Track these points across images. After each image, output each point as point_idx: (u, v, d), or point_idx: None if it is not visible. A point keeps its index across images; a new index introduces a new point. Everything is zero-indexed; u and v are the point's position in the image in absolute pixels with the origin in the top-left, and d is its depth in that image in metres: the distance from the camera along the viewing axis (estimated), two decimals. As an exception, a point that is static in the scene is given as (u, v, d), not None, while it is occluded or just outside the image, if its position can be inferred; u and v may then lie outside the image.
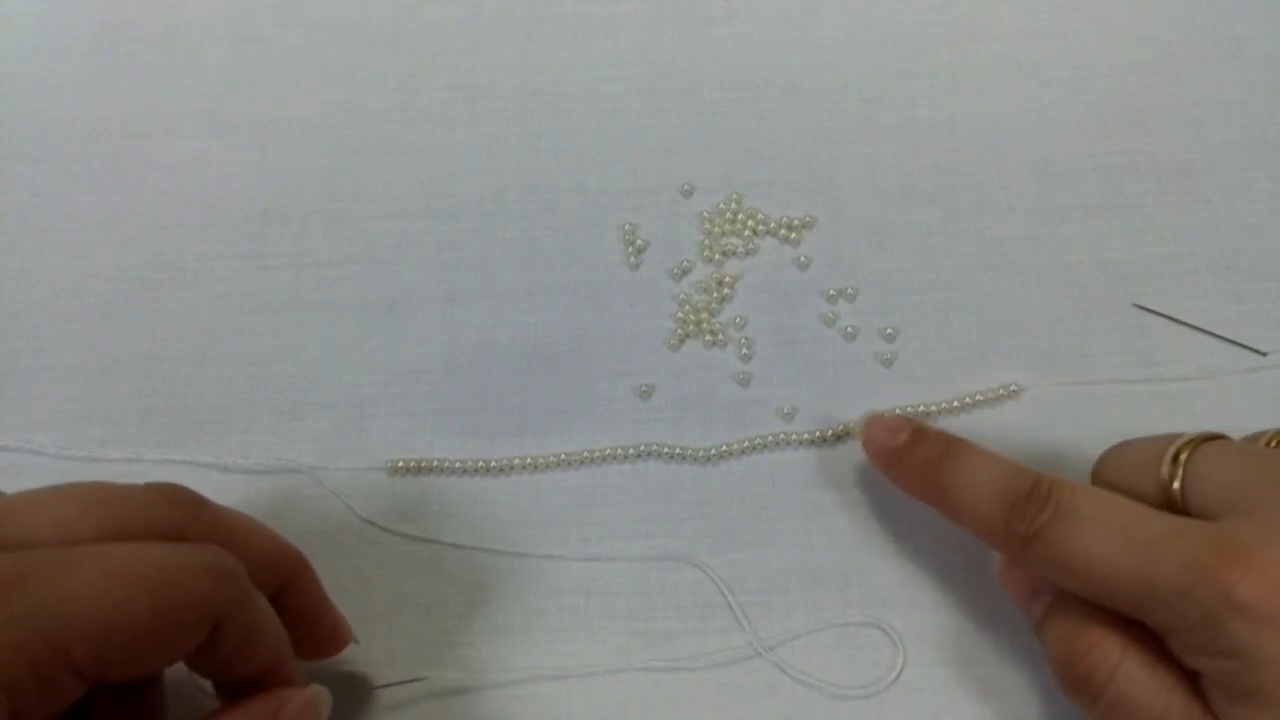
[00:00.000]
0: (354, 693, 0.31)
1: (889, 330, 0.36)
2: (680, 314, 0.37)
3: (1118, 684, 0.24)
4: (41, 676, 0.20)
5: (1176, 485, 0.26)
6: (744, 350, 0.36)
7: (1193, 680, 0.24)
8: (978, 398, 0.34)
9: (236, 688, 0.25)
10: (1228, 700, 0.23)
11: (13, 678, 0.19)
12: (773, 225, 0.38)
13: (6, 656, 0.19)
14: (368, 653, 0.32)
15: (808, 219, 0.38)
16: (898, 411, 0.34)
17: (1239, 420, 0.33)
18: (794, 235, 0.38)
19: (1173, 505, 0.26)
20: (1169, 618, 0.24)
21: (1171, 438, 0.27)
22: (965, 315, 0.36)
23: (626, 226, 0.38)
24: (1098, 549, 0.24)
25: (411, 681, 0.31)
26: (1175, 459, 0.26)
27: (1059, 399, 0.34)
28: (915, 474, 0.30)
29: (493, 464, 0.34)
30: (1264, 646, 0.22)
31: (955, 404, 0.34)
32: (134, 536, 0.23)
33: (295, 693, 0.25)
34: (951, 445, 0.29)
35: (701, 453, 0.34)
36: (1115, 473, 0.28)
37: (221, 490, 0.34)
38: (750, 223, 0.38)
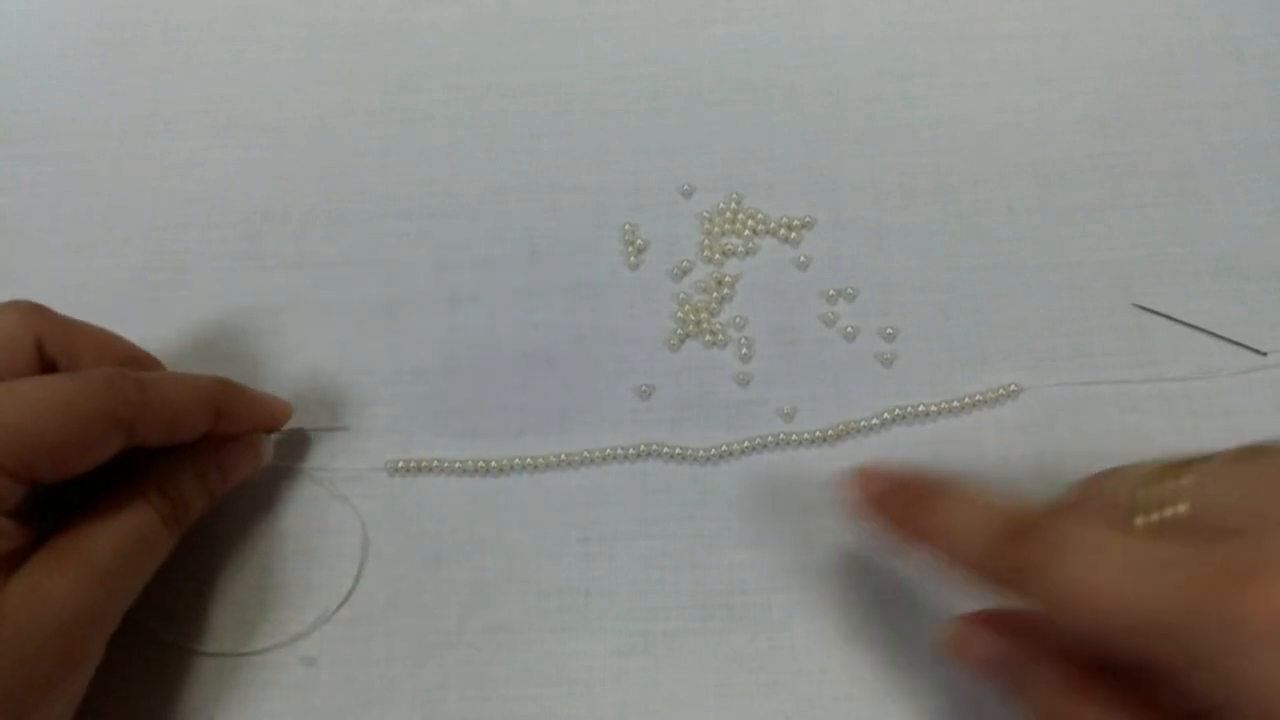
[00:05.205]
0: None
1: (889, 330, 0.36)
2: (680, 314, 0.37)
3: None
4: None
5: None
6: (744, 350, 0.36)
7: None
8: (977, 398, 0.34)
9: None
10: None
11: None
12: (773, 225, 0.38)
13: None
14: (368, 652, 0.32)
15: (808, 219, 0.38)
16: (898, 411, 0.34)
17: (1239, 420, 0.33)
18: (794, 235, 0.38)
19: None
20: (1176, 649, 0.21)
21: (1142, 472, 0.25)
22: (965, 315, 0.36)
23: (626, 226, 0.38)
24: (1097, 575, 0.22)
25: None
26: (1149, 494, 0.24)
27: (1059, 399, 0.34)
28: (898, 516, 0.28)
29: (493, 464, 0.34)
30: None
31: (955, 404, 0.34)
32: (24, 371, 0.29)
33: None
34: (934, 484, 0.27)
35: (701, 453, 0.34)
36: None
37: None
38: (750, 223, 0.38)
